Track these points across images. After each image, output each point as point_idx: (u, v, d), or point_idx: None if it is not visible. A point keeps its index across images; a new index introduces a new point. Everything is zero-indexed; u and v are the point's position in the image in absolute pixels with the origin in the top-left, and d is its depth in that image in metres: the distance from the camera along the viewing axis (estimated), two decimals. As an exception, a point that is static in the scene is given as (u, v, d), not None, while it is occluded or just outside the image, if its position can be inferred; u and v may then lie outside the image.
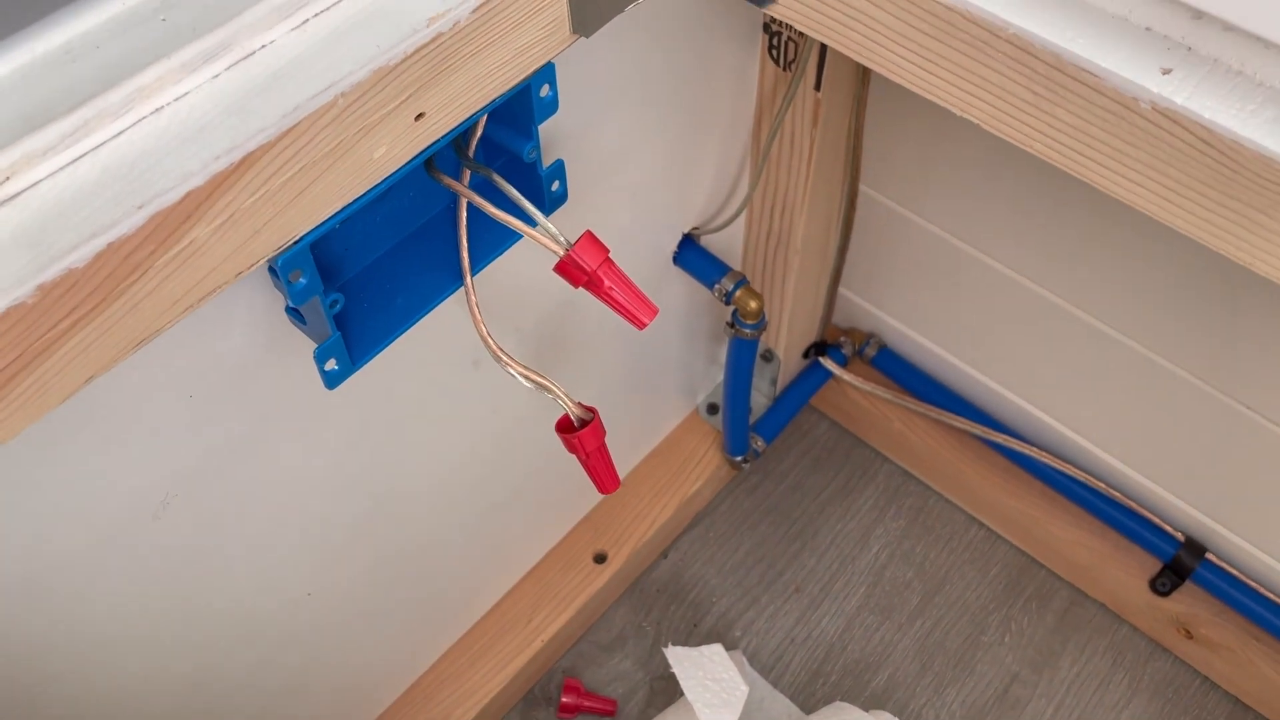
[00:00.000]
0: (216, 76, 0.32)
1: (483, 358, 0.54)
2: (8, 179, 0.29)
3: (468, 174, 0.41)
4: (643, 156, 0.58)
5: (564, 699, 0.77)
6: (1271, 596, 0.80)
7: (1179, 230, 0.33)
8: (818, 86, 0.62)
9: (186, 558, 0.47)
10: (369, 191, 0.35)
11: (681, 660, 0.70)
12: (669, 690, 0.79)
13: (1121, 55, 0.32)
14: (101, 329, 0.30)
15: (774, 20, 0.58)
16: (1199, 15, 0.31)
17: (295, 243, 0.34)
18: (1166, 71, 0.32)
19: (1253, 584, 0.80)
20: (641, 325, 0.39)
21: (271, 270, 0.36)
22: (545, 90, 0.41)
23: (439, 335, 0.50)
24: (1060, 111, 0.34)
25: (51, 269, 0.28)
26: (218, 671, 0.55)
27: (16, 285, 0.27)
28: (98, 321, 0.30)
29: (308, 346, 0.43)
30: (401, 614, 0.68)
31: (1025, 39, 0.33)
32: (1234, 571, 0.81)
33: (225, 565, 0.49)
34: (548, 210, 0.45)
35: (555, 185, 0.44)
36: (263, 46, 0.32)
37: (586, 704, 0.78)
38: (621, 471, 0.68)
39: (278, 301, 0.41)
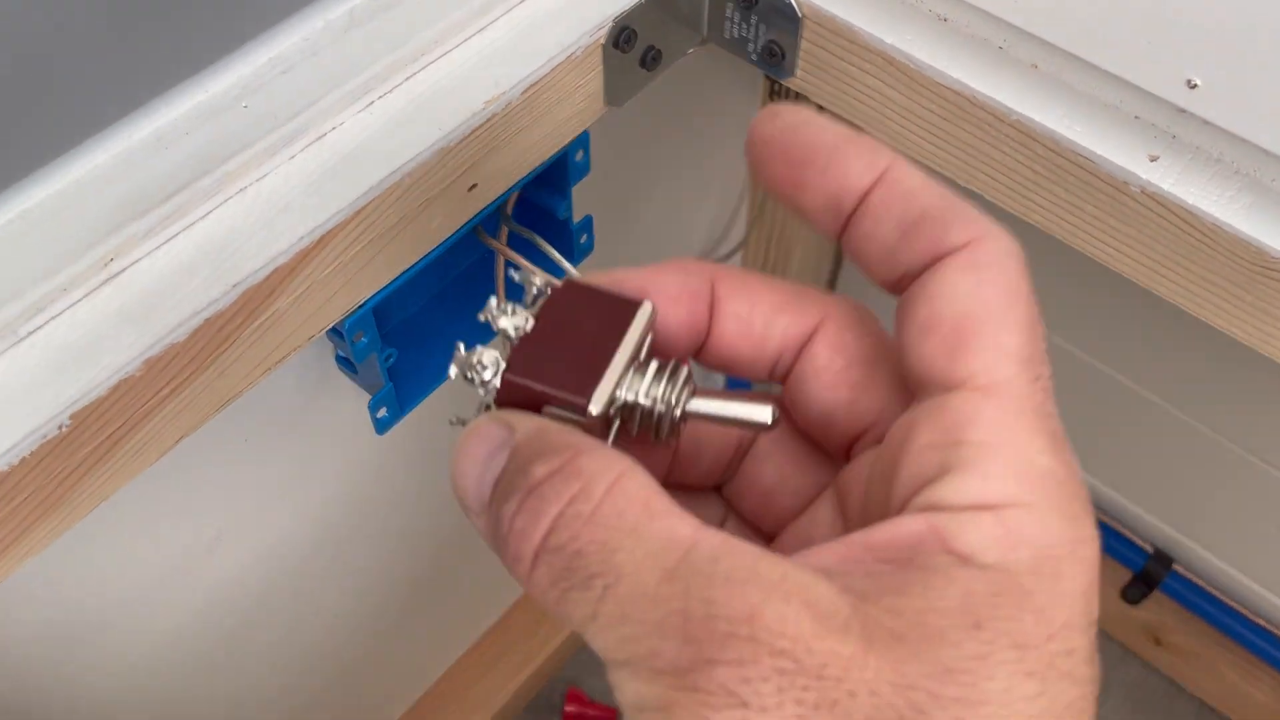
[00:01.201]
0: (293, 158, 0.34)
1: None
2: (112, 260, 0.31)
3: (505, 232, 0.44)
4: (652, 201, 0.62)
5: (567, 708, 0.80)
6: (1235, 606, 0.84)
7: (1164, 298, 0.37)
8: (815, 129, 0.65)
9: (234, 590, 0.49)
10: (425, 256, 0.38)
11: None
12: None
13: (1113, 142, 0.36)
14: (194, 394, 0.33)
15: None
16: (1181, 111, 0.34)
17: (359, 307, 0.37)
18: (1154, 158, 0.35)
19: (1218, 594, 0.85)
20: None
21: (334, 330, 0.38)
22: (580, 155, 0.44)
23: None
24: (1059, 190, 0.37)
25: (157, 345, 0.31)
26: (249, 697, 0.57)
27: (126, 361, 0.30)
28: (191, 388, 0.32)
29: (352, 391, 0.45)
30: (413, 632, 0.71)
31: (1027, 125, 0.37)
32: (1200, 582, 0.85)
33: (267, 596, 0.52)
34: (576, 260, 0.48)
35: (584, 238, 0.47)
36: (334, 128, 0.35)
37: (590, 713, 0.81)
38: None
39: (327, 349, 0.44)
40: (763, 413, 0.23)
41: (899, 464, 0.21)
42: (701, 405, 0.23)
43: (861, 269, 0.23)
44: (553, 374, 0.22)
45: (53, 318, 0.31)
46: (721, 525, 0.27)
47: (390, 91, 0.36)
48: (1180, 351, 0.69)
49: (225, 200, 0.33)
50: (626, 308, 0.23)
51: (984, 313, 0.21)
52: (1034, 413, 0.20)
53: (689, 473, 0.27)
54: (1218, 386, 0.70)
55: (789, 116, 0.23)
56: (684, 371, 0.23)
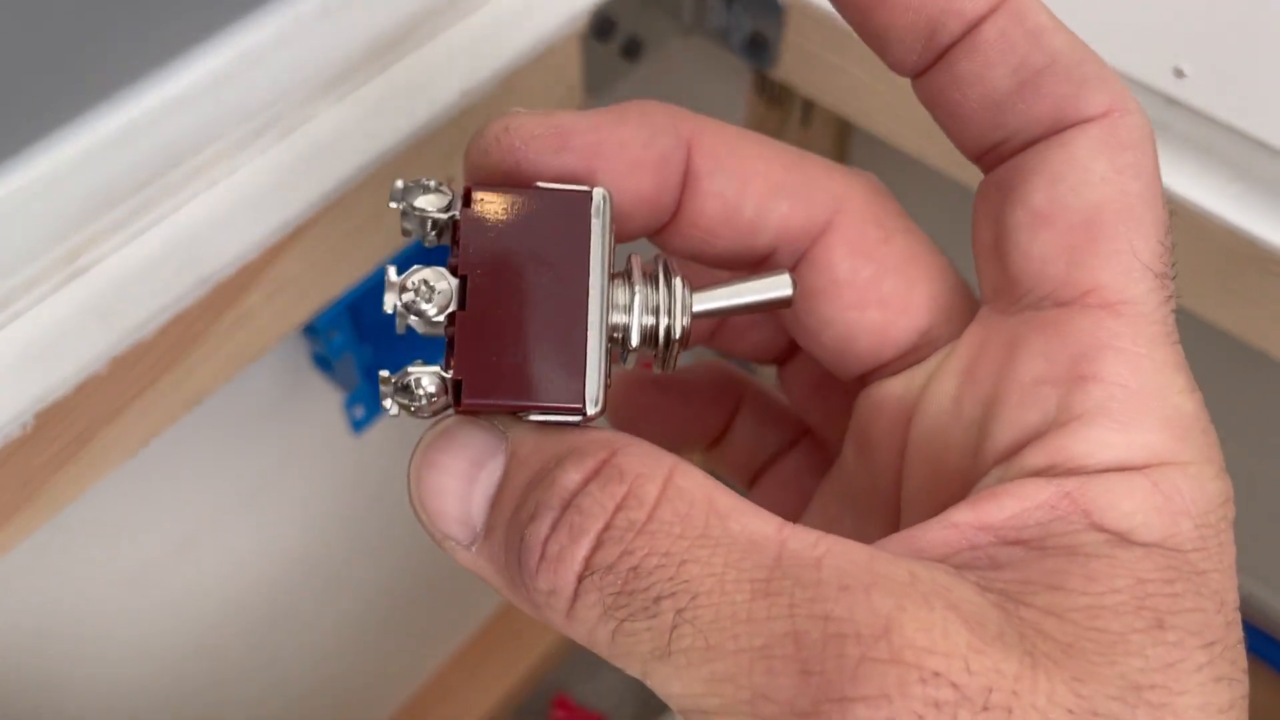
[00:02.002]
0: (265, 152, 0.34)
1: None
2: (79, 256, 0.31)
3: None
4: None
5: (555, 714, 0.79)
6: (1249, 617, 0.84)
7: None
8: (804, 123, 0.65)
9: (209, 593, 0.48)
10: (402, 251, 0.38)
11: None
12: (659, 704, 0.81)
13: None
14: (163, 393, 0.32)
15: (763, 67, 0.61)
16: (1172, 100, 0.34)
17: (334, 304, 0.36)
18: (1143, 148, 0.35)
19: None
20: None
21: (309, 328, 0.38)
22: (559, 148, 0.43)
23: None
24: (1046, 181, 0.37)
25: (123, 342, 0.30)
26: (226, 705, 0.57)
27: (92, 359, 0.29)
28: (160, 387, 0.32)
29: (329, 390, 0.45)
30: (395, 636, 0.70)
31: (1014, 114, 0.36)
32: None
33: (242, 601, 0.51)
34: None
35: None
36: (306, 120, 0.34)
37: (577, 719, 0.80)
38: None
39: (302, 348, 0.43)
40: (783, 284, 0.18)
41: (996, 403, 0.16)
42: (708, 301, 0.18)
43: (945, 121, 0.18)
44: (520, 373, 0.17)
45: (16, 315, 0.30)
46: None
47: (365, 83, 0.35)
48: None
49: (194, 194, 0.33)
50: (575, 210, 0.17)
51: (1122, 208, 0.16)
52: (1168, 342, 0.16)
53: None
54: (1210, 381, 0.69)
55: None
56: (677, 274, 0.18)
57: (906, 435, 0.19)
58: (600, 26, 0.38)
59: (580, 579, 0.15)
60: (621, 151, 0.18)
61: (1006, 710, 0.13)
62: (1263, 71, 0.31)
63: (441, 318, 0.17)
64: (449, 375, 0.17)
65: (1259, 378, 0.65)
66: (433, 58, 0.36)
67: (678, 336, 0.18)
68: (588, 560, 0.15)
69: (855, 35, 0.38)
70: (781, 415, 0.24)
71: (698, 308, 0.18)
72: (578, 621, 0.15)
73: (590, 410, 0.17)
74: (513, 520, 0.16)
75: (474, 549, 0.17)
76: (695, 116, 0.19)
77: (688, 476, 0.16)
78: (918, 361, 0.19)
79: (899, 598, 0.14)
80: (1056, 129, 0.16)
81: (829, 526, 0.16)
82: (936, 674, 0.13)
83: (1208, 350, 0.67)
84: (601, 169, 0.18)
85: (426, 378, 0.17)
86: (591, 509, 0.15)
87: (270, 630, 0.54)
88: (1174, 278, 0.17)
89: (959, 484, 0.17)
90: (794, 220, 0.19)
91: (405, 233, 0.18)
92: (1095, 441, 0.15)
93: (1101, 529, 0.15)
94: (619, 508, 0.15)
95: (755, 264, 0.20)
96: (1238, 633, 0.16)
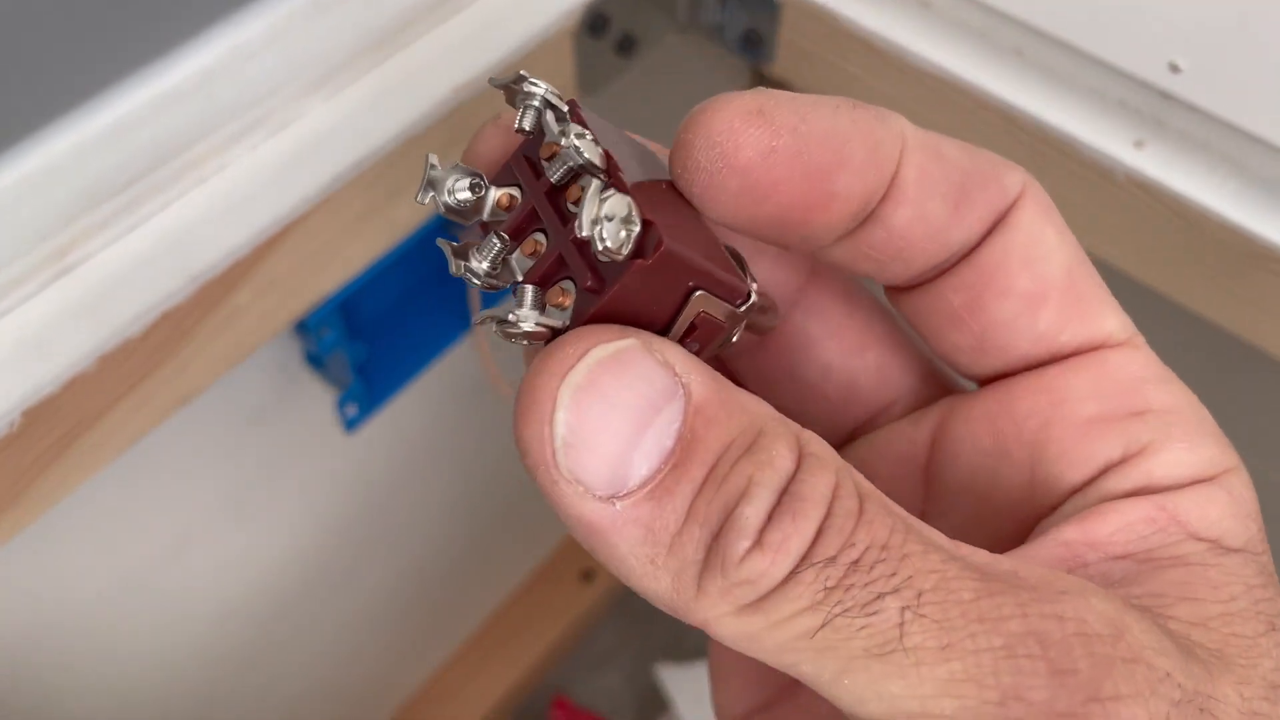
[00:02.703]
0: (255, 148, 0.33)
1: (484, 395, 0.57)
2: (67, 253, 0.30)
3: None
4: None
5: (554, 715, 0.79)
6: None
7: (1152, 288, 0.36)
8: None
9: (205, 594, 0.48)
10: (394, 250, 0.37)
11: (672, 678, 0.72)
12: (658, 704, 0.81)
13: (1098, 128, 0.35)
14: (152, 391, 0.32)
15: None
16: (1167, 95, 0.33)
17: (325, 301, 0.36)
18: (1139, 144, 0.34)
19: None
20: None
21: (300, 325, 0.38)
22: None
23: (447, 375, 0.52)
24: (1042, 178, 0.36)
25: (111, 340, 0.30)
26: (222, 707, 0.56)
27: (80, 356, 0.29)
28: (149, 384, 0.31)
29: (322, 389, 0.44)
30: (393, 636, 0.70)
31: (1010, 110, 0.36)
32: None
33: (237, 602, 0.51)
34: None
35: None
36: (297, 117, 0.34)
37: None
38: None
39: (294, 346, 0.43)
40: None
41: (1054, 444, 0.17)
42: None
43: (875, 271, 0.18)
44: (697, 245, 0.15)
45: (4, 312, 0.30)
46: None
47: (356, 80, 0.35)
48: (1168, 343, 0.69)
49: (184, 191, 0.32)
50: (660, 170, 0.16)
51: (1080, 260, 0.17)
52: (1161, 362, 0.18)
53: None
54: (1208, 380, 0.69)
55: (781, 107, 0.15)
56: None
57: (926, 476, 0.19)
58: (593, 23, 0.38)
59: (795, 570, 0.14)
60: None
61: (1203, 710, 0.14)
62: (1259, 66, 0.31)
63: (629, 248, 0.15)
64: (636, 223, 0.14)
65: (1256, 375, 0.65)
66: (424, 54, 0.36)
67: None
68: (807, 552, 0.14)
69: (852, 32, 0.38)
70: None
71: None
72: (764, 613, 0.14)
73: (754, 295, 0.16)
74: (708, 491, 0.14)
75: (618, 504, 0.14)
76: None
77: (857, 475, 0.15)
78: (919, 408, 0.20)
79: (1118, 604, 0.14)
80: (996, 220, 0.17)
81: None
82: (1168, 674, 0.14)
83: (1204, 347, 0.67)
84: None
85: (627, 206, 0.14)
86: (813, 496, 0.14)
87: (265, 630, 0.54)
88: None
89: (1013, 516, 0.18)
90: (778, 271, 0.19)
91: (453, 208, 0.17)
92: (1171, 461, 0.16)
93: (1199, 538, 0.16)
94: (835, 497, 0.14)
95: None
96: None
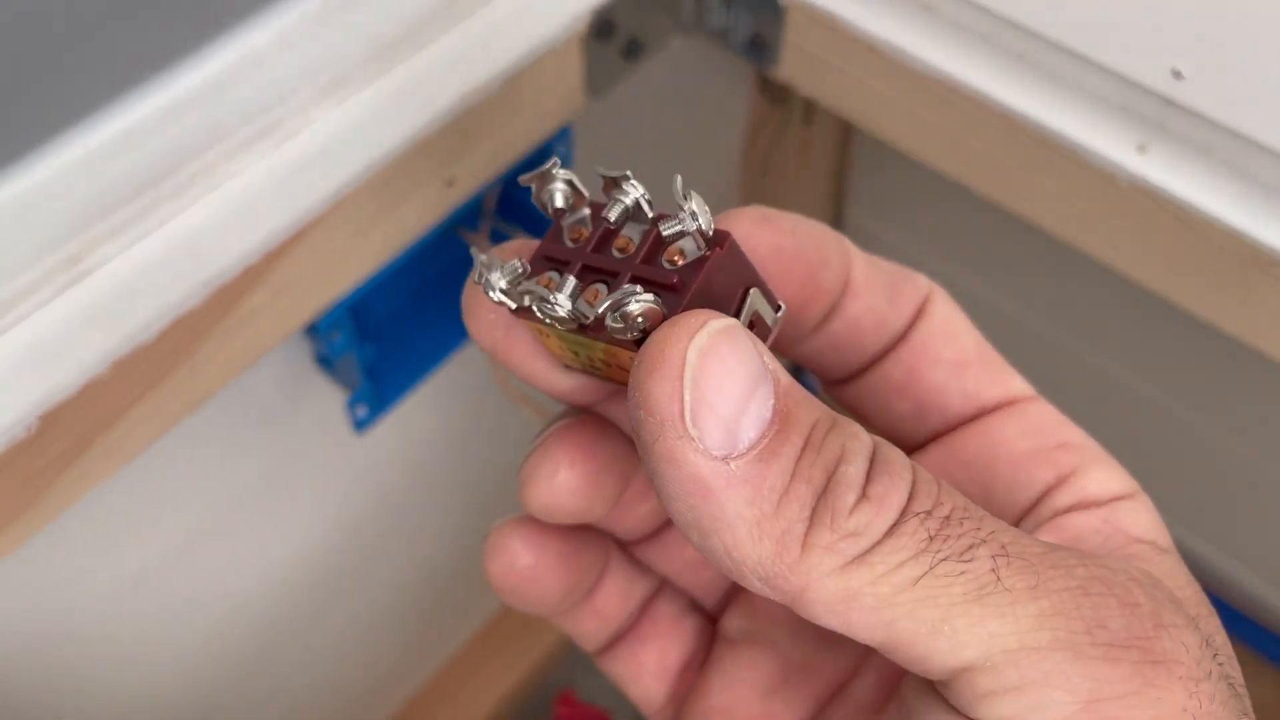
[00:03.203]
0: (267, 155, 0.34)
1: (492, 396, 0.57)
2: (81, 260, 0.31)
3: (488, 228, 0.44)
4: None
5: (559, 711, 0.80)
6: (1233, 604, 0.84)
7: (1153, 292, 0.36)
8: (806, 122, 0.65)
9: (215, 592, 0.49)
10: (403, 253, 0.38)
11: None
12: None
13: (1101, 133, 0.35)
14: (166, 395, 0.32)
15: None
16: (1170, 101, 0.34)
17: (335, 304, 0.36)
18: (1142, 149, 0.35)
19: (1215, 591, 0.84)
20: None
21: (310, 328, 0.38)
22: (561, 149, 0.43)
23: (456, 377, 0.52)
24: (1045, 181, 0.37)
25: (125, 345, 0.30)
26: (229, 703, 0.57)
27: (94, 362, 0.30)
28: (162, 388, 0.32)
29: (332, 390, 0.45)
30: (399, 633, 0.70)
31: (1012, 115, 0.36)
32: (1200, 578, 0.84)
33: (245, 600, 0.51)
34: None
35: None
36: (309, 124, 0.35)
37: (581, 716, 0.80)
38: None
39: (304, 348, 0.43)
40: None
41: (998, 477, 0.21)
42: None
43: (835, 360, 0.23)
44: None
45: (19, 319, 0.30)
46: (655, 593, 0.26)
47: (366, 85, 0.36)
48: (1172, 345, 0.69)
49: (197, 197, 0.33)
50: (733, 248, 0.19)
51: (979, 339, 0.22)
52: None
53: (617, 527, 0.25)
54: (1212, 381, 0.69)
55: (779, 215, 0.21)
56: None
57: None
58: (600, 28, 0.39)
59: (896, 524, 0.16)
60: None
61: (1213, 655, 0.17)
62: (1262, 72, 0.31)
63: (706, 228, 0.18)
64: (708, 227, 0.17)
65: (1258, 380, 0.65)
66: (433, 60, 0.36)
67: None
68: (906, 506, 0.16)
69: (856, 36, 0.39)
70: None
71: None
72: (869, 565, 0.15)
73: (783, 307, 0.19)
74: (809, 455, 0.16)
75: (732, 464, 0.16)
76: None
77: None
78: None
79: (1131, 561, 0.18)
80: (917, 311, 0.22)
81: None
82: (1193, 616, 0.17)
83: (1206, 353, 0.67)
84: None
85: (693, 203, 0.17)
86: (900, 461, 0.16)
87: (274, 629, 0.55)
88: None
89: None
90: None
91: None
92: (1100, 480, 0.20)
93: (1140, 540, 0.19)
94: (912, 466, 0.17)
95: None
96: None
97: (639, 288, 0.17)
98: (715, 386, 0.16)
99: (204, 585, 0.48)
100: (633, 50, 0.41)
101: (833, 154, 0.69)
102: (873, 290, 0.21)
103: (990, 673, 0.15)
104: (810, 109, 0.64)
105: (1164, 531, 0.20)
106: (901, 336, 0.22)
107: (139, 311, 0.30)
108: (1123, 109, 0.35)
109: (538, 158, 0.42)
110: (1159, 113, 0.34)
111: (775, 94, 0.63)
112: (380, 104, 0.35)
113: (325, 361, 0.43)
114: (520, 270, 0.18)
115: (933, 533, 0.16)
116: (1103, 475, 0.20)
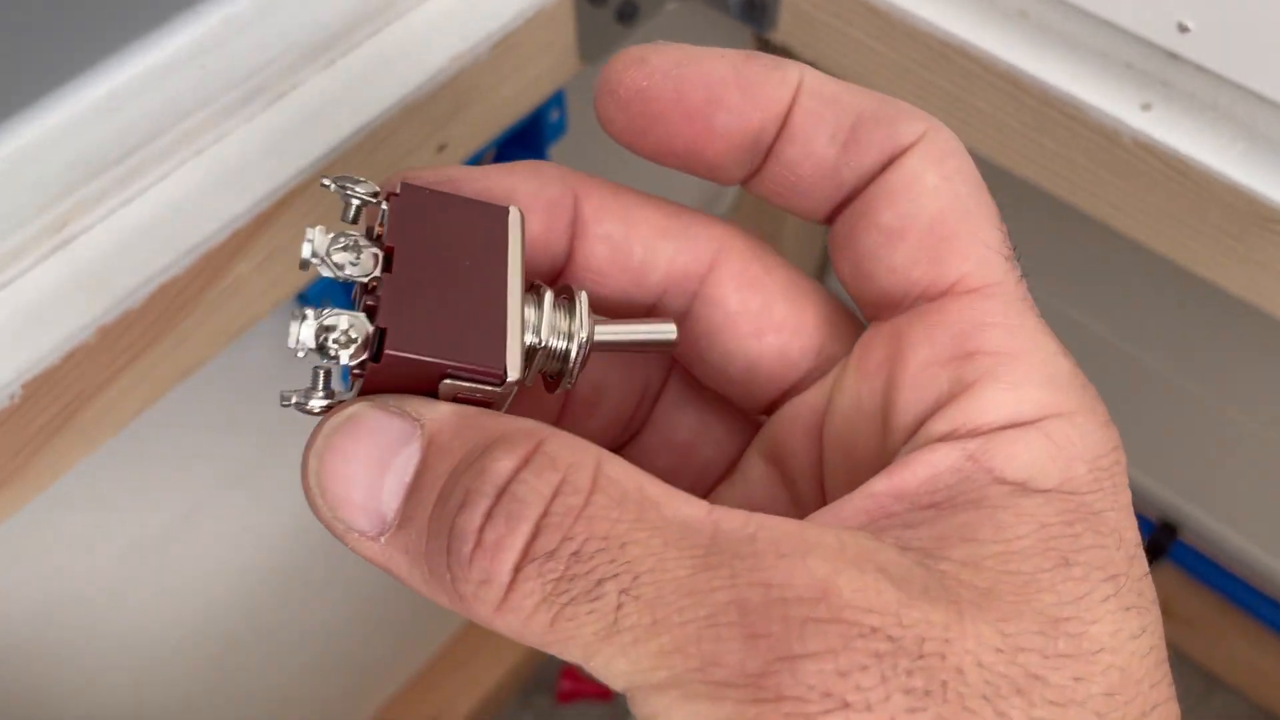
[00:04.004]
0: (252, 119, 0.33)
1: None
2: (65, 225, 0.30)
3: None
4: (635, 164, 0.60)
5: (563, 684, 0.80)
6: (1243, 575, 0.83)
7: (1157, 252, 0.36)
8: (806, 92, 0.64)
9: (214, 565, 0.49)
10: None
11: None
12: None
13: (1104, 90, 0.34)
14: (153, 363, 0.32)
15: (765, 32, 0.60)
16: (1174, 56, 0.33)
17: (327, 272, 0.36)
18: (1146, 107, 0.34)
19: (1225, 563, 0.84)
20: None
21: (302, 298, 0.37)
22: (555, 114, 0.43)
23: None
24: (1048, 141, 0.36)
25: (111, 312, 0.30)
26: (229, 678, 0.57)
27: (79, 328, 0.29)
28: (150, 357, 0.31)
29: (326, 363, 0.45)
30: (399, 610, 0.70)
31: (1015, 74, 0.35)
32: (1207, 551, 0.84)
33: (245, 575, 0.51)
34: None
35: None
36: (294, 87, 0.34)
37: (585, 689, 0.80)
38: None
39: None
40: (667, 330, 0.19)
41: (894, 391, 0.18)
42: (606, 334, 0.19)
43: (789, 204, 0.20)
44: (447, 333, 0.17)
45: (3, 285, 0.30)
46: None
47: (354, 48, 0.35)
48: (1181, 313, 0.68)
49: (182, 162, 0.32)
50: (493, 219, 0.18)
51: (959, 207, 0.18)
52: (1033, 313, 0.18)
53: (583, 432, 0.23)
54: (1222, 350, 0.69)
55: (665, 56, 0.18)
56: (582, 296, 0.19)
57: (821, 439, 0.20)
58: (593, -11, 0.38)
59: (518, 567, 0.15)
60: (509, 197, 0.19)
61: (940, 656, 0.14)
62: (1269, 25, 0.30)
63: (366, 358, 0.17)
64: (372, 326, 0.17)
65: (1266, 341, 0.64)
66: (423, 22, 0.36)
67: (577, 360, 0.18)
68: (527, 548, 0.15)
69: (854, -5, 0.38)
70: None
71: (598, 337, 0.19)
72: (511, 611, 0.15)
73: (511, 375, 0.17)
74: (437, 509, 0.16)
75: (384, 540, 0.16)
76: (581, 174, 0.21)
77: (616, 466, 0.16)
78: (820, 378, 0.20)
79: (833, 562, 0.15)
80: (887, 162, 0.18)
81: None
82: (874, 629, 0.14)
83: (1211, 313, 0.67)
84: None
85: (347, 320, 0.17)
86: (528, 496, 0.15)
87: (274, 602, 0.54)
88: (1019, 258, 0.19)
89: (871, 470, 0.18)
90: (680, 260, 0.20)
91: (306, 263, 0.19)
92: (988, 404, 0.17)
93: (1004, 481, 0.16)
94: (556, 494, 0.15)
95: (649, 308, 0.21)
96: (1141, 566, 0.16)
97: (322, 375, 0.17)
98: (342, 479, 0.16)
99: (204, 557, 0.48)
100: (627, 13, 0.40)
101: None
102: (814, 134, 0.18)
103: (631, 704, 0.15)
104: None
105: (1063, 465, 0.16)
106: (861, 189, 0.19)
107: (124, 278, 0.30)
108: (1127, 66, 0.34)
109: (531, 123, 0.41)
110: (1163, 69, 0.34)
111: (777, 62, 0.62)
112: (368, 67, 0.35)
113: (319, 332, 0.42)
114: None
115: (555, 575, 0.15)
116: (998, 396, 0.17)
